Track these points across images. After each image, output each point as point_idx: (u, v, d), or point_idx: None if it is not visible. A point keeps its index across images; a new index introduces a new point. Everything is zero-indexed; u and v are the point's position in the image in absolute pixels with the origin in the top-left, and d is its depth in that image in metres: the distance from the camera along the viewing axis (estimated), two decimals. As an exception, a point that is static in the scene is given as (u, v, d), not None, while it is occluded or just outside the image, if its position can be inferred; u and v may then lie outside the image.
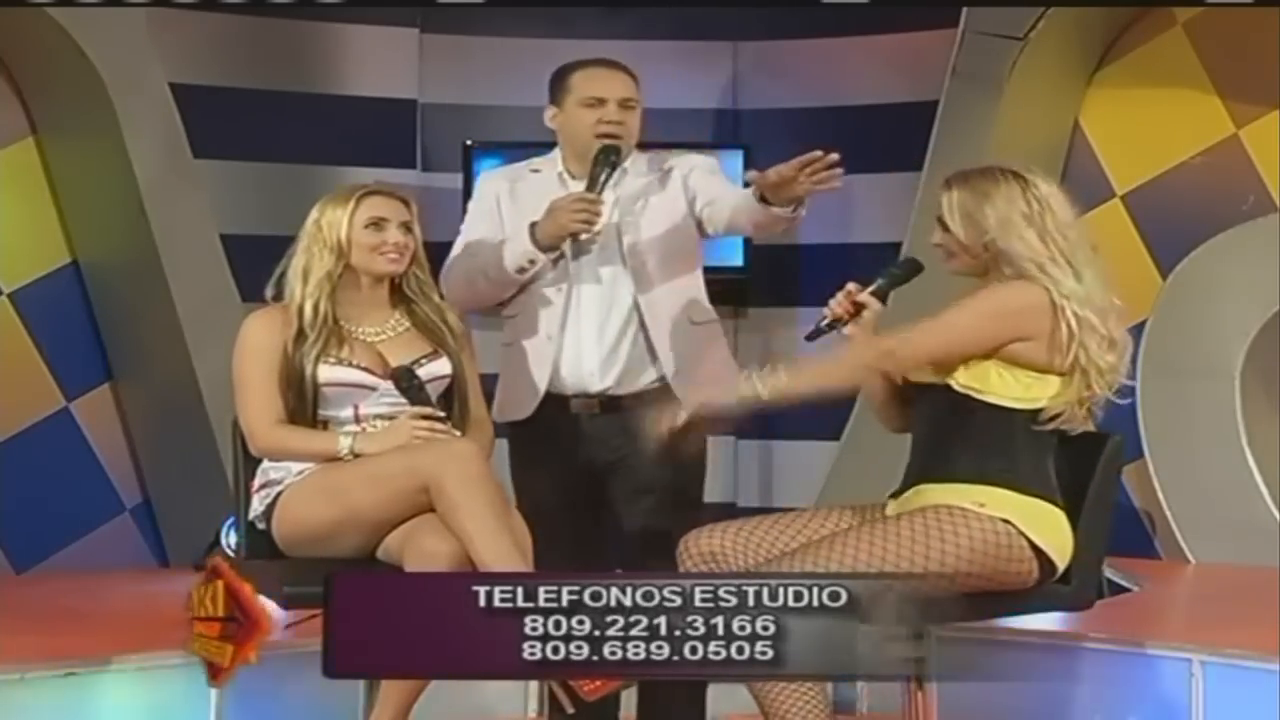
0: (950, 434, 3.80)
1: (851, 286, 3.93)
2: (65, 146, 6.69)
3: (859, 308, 3.91)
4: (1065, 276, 3.79)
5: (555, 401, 4.33)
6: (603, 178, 4.27)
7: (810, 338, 4.02)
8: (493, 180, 4.51)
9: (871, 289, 3.95)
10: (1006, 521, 3.73)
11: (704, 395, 3.89)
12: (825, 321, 3.94)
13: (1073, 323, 3.76)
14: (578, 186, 4.31)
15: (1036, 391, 3.78)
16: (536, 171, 4.46)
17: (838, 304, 3.93)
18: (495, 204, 4.43)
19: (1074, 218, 3.89)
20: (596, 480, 4.38)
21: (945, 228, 3.85)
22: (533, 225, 4.26)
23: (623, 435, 4.30)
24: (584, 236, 4.26)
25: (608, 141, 4.30)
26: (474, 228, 4.44)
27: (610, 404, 4.33)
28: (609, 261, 4.32)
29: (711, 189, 4.36)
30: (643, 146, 4.46)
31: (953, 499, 3.74)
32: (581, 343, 4.31)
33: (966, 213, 3.81)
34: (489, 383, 4.39)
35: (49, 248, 6.74)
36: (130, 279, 6.66)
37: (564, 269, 4.32)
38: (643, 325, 4.32)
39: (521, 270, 4.28)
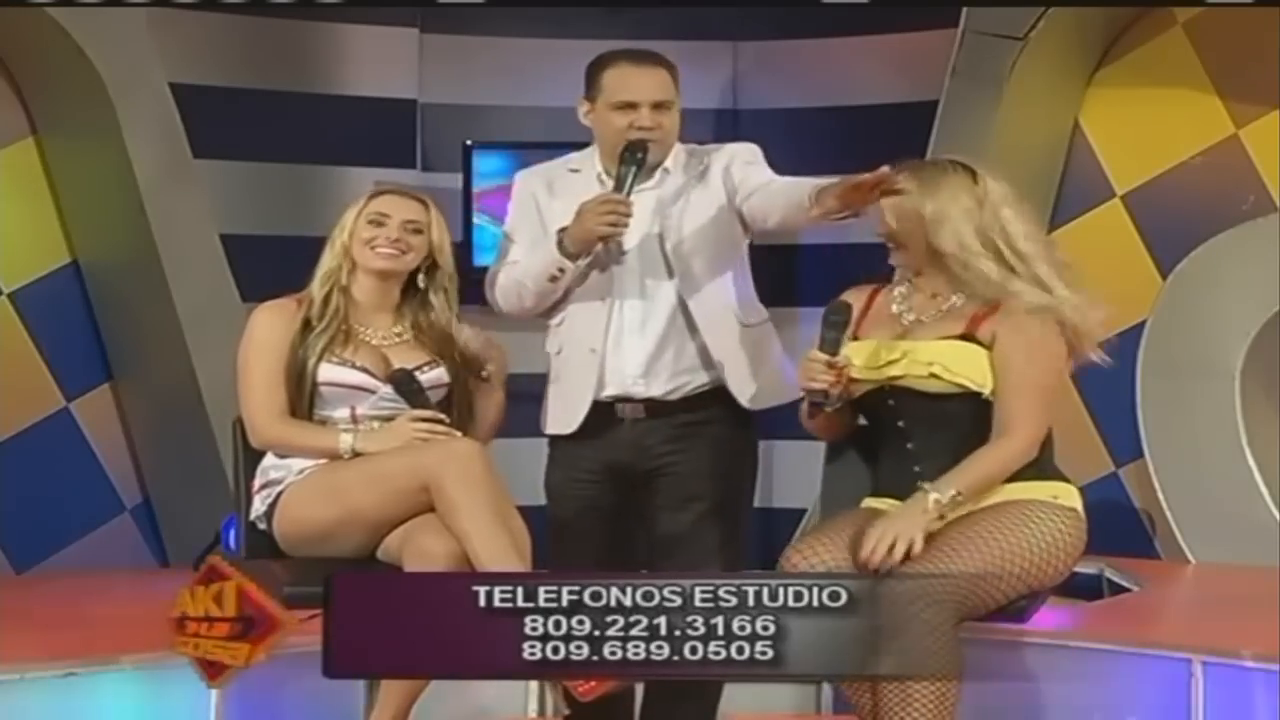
0: (978, 436, 3.83)
1: (818, 357, 3.81)
2: (65, 146, 6.69)
3: (839, 369, 3.84)
4: (993, 273, 3.82)
5: (601, 409, 4.24)
6: (630, 178, 4.12)
7: (814, 416, 3.92)
8: (530, 180, 4.37)
9: (829, 348, 3.84)
10: (1074, 511, 3.82)
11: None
12: (829, 402, 3.85)
13: (1067, 331, 3.87)
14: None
15: None
16: (575, 171, 4.32)
17: (824, 382, 3.82)
18: (534, 205, 4.31)
19: (1023, 216, 3.91)
20: (641, 487, 4.28)
21: (891, 223, 3.92)
22: (561, 231, 4.15)
23: (669, 441, 4.23)
24: (614, 240, 4.14)
25: (631, 137, 4.16)
26: (515, 233, 4.33)
27: (655, 409, 4.23)
28: (652, 266, 4.21)
29: (752, 180, 4.20)
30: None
31: (1027, 494, 3.80)
32: (625, 349, 4.21)
33: (913, 209, 3.87)
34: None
35: (49, 248, 6.74)
36: (130, 279, 6.66)
37: (607, 276, 4.21)
38: (693, 329, 4.21)
39: (553, 279, 4.17)
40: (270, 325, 4.10)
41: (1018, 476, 3.84)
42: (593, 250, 4.16)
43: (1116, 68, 6.98)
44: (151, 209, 6.49)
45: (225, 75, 6.96)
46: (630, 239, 4.20)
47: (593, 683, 3.66)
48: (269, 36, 7.04)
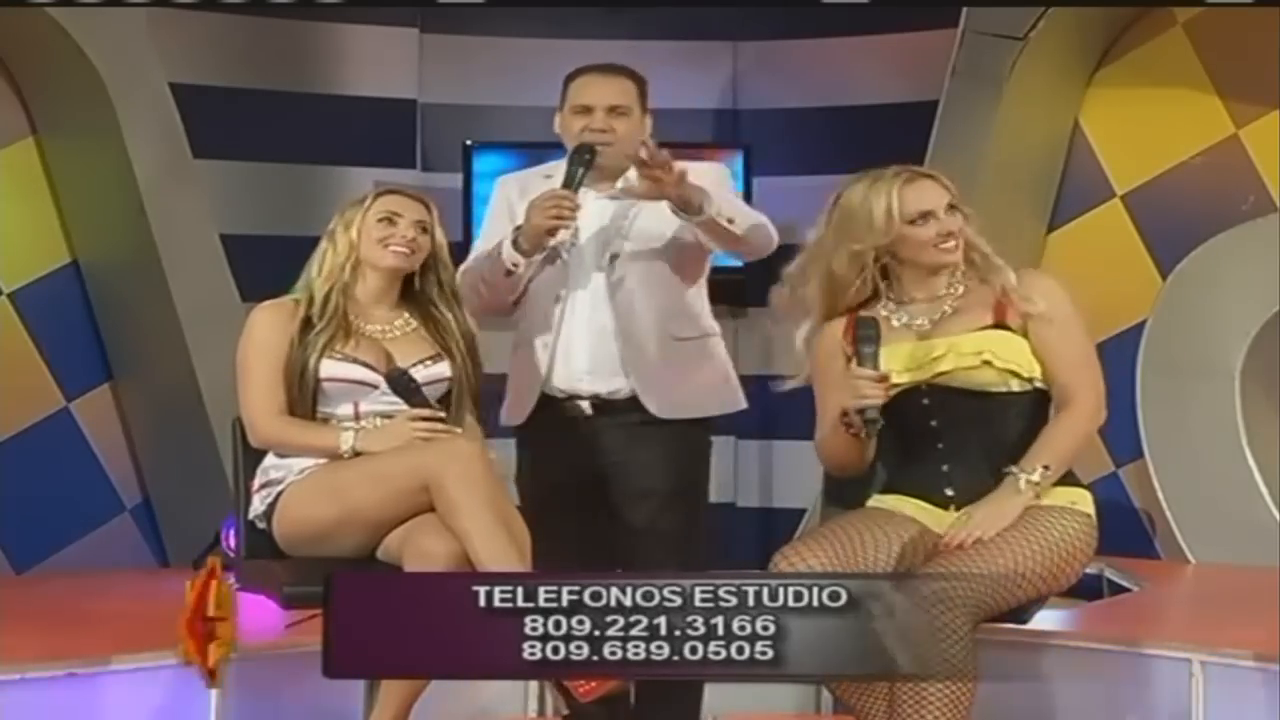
0: (1005, 435, 3.85)
1: (866, 374, 3.78)
2: (65, 146, 6.69)
3: (887, 382, 3.82)
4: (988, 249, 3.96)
5: (551, 405, 4.35)
6: (578, 177, 4.24)
7: (868, 435, 3.85)
8: (507, 185, 4.52)
9: (871, 363, 3.81)
10: (1088, 516, 3.84)
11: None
12: (879, 420, 3.79)
13: None
14: (582, 189, 4.27)
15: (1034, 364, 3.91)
16: (548, 177, 4.42)
17: (876, 396, 3.78)
18: (507, 209, 4.42)
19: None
20: (597, 482, 4.37)
21: (964, 214, 3.93)
22: (516, 229, 4.26)
23: (620, 439, 4.31)
24: (561, 235, 4.25)
25: (584, 140, 4.29)
26: (487, 234, 4.46)
27: (603, 407, 4.34)
28: (598, 269, 4.33)
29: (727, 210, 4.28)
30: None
31: (1047, 500, 3.81)
32: (572, 345, 4.32)
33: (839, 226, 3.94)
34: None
35: (49, 248, 6.74)
36: (130, 279, 6.66)
37: (561, 275, 4.33)
38: (616, 335, 4.32)
39: (508, 273, 4.28)
40: (269, 324, 4.10)
41: None
42: (544, 247, 4.27)
43: (1116, 68, 6.99)
44: (151, 209, 6.49)
45: (225, 75, 6.97)
46: (584, 239, 4.33)
47: (593, 683, 3.66)
48: (269, 36, 7.05)
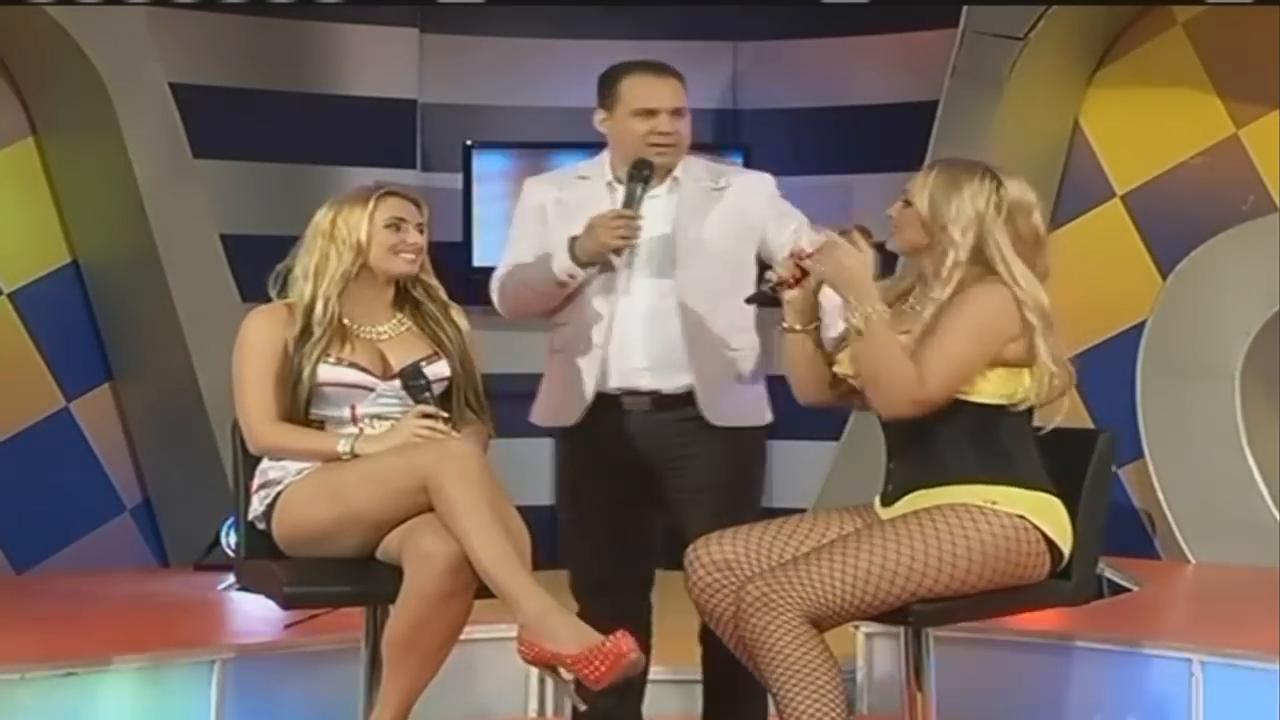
0: (939, 436, 3.82)
1: (797, 249, 3.91)
2: (65, 146, 6.69)
3: (804, 273, 3.88)
4: (1023, 279, 3.83)
5: (606, 402, 4.31)
6: (638, 193, 4.23)
7: (750, 300, 4.05)
8: (539, 188, 4.48)
9: (815, 254, 3.89)
10: (1021, 517, 3.77)
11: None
12: (768, 285, 3.94)
13: (1031, 318, 3.81)
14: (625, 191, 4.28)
15: (1014, 386, 3.82)
16: (584, 178, 4.41)
17: (783, 267, 3.91)
18: (541, 214, 4.39)
19: (1039, 228, 3.92)
20: (651, 478, 4.34)
21: (908, 203, 3.89)
22: (573, 240, 4.23)
23: (680, 434, 4.29)
24: (623, 254, 4.23)
25: (647, 155, 4.26)
26: (520, 239, 4.42)
27: (662, 402, 4.30)
28: (660, 269, 4.29)
29: (782, 228, 4.30)
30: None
31: (963, 499, 3.77)
32: (629, 346, 4.29)
33: (934, 198, 3.86)
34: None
35: (49, 248, 6.74)
36: (130, 279, 6.66)
37: (612, 276, 4.29)
38: (683, 332, 4.27)
39: (562, 284, 4.27)
40: (264, 330, 4.08)
41: (962, 477, 3.80)
42: (601, 261, 4.25)
43: (1116, 68, 6.99)
44: (151, 209, 6.49)
45: (225, 75, 6.97)
46: (639, 240, 4.26)
47: (603, 669, 3.64)
48: (269, 36, 7.05)
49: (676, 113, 4.32)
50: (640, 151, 4.28)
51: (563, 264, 4.24)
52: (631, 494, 4.35)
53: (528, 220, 4.43)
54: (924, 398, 3.75)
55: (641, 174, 4.25)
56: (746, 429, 4.36)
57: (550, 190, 4.43)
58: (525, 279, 4.35)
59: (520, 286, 4.36)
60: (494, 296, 4.44)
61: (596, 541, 4.35)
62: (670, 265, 4.29)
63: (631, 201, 4.23)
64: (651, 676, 4.39)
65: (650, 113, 4.30)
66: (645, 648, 4.23)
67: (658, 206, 4.30)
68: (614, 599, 4.29)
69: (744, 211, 4.35)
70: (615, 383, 4.31)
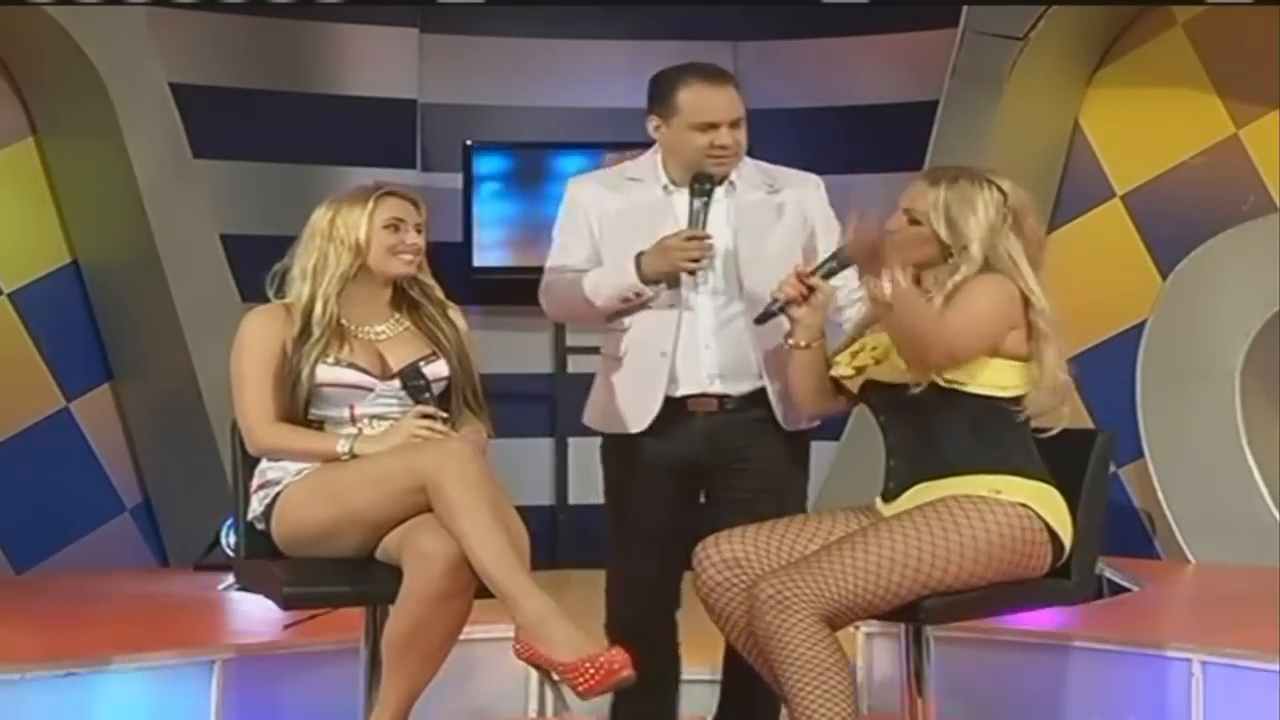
0: (940, 429, 3.84)
1: (800, 268, 3.96)
2: (65, 146, 6.69)
3: (810, 290, 3.92)
4: (1036, 289, 3.86)
5: (673, 405, 4.27)
6: (704, 211, 4.19)
7: (759, 320, 4.05)
8: (585, 188, 4.39)
9: (820, 271, 3.96)
10: (1025, 506, 3.79)
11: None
12: (776, 305, 3.97)
13: (1037, 321, 3.84)
14: (681, 197, 4.23)
15: (1010, 378, 3.84)
16: (635, 180, 4.35)
17: (790, 286, 3.94)
18: (589, 216, 4.33)
19: (1039, 229, 3.96)
20: (708, 479, 4.32)
21: (916, 221, 3.90)
22: (639, 256, 4.19)
23: (742, 436, 4.26)
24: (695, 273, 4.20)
25: (707, 167, 4.21)
26: (570, 243, 4.35)
27: (728, 404, 4.26)
28: (725, 276, 4.24)
29: (828, 234, 4.29)
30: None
31: (966, 489, 3.78)
32: (697, 353, 4.24)
33: (950, 216, 3.87)
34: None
35: (49, 248, 6.75)
36: (130, 279, 6.66)
37: (676, 290, 4.25)
38: (753, 339, 4.23)
39: (627, 300, 4.23)
40: (262, 332, 4.08)
41: (965, 468, 3.82)
42: (667, 278, 4.21)
43: (1116, 68, 6.99)
44: (151, 209, 6.50)
45: (225, 75, 6.97)
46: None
47: (595, 679, 3.64)
48: (269, 36, 7.05)
49: (735, 123, 4.24)
50: (699, 164, 4.22)
51: (629, 282, 4.20)
52: (687, 497, 4.32)
53: (574, 224, 4.35)
54: (956, 350, 3.77)
55: (705, 189, 4.20)
56: (804, 432, 4.35)
57: (600, 192, 4.35)
58: (580, 292, 4.28)
59: (572, 298, 4.30)
60: (541, 300, 4.37)
61: (648, 543, 4.30)
62: (735, 273, 4.24)
63: (698, 220, 4.18)
64: (688, 677, 4.39)
65: (711, 126, 4.22)
66: (673, 647, 4.33)
67: (717, 212, 4.24)
68: (652, 602, 4.30)
69: (803, 218, 4.31)
70: (685, 389, 4.26)
